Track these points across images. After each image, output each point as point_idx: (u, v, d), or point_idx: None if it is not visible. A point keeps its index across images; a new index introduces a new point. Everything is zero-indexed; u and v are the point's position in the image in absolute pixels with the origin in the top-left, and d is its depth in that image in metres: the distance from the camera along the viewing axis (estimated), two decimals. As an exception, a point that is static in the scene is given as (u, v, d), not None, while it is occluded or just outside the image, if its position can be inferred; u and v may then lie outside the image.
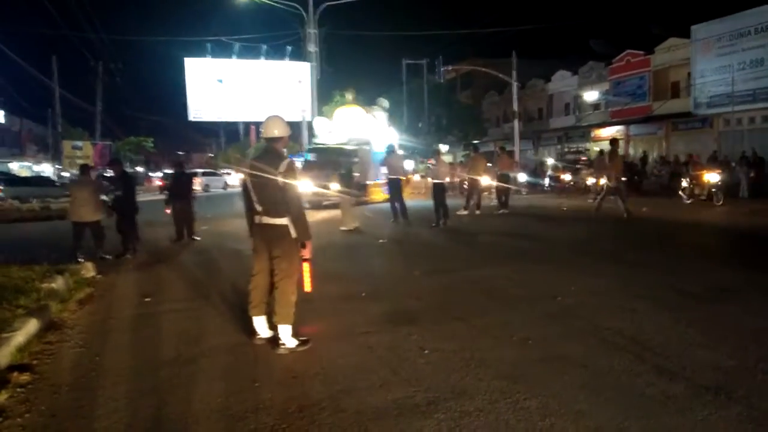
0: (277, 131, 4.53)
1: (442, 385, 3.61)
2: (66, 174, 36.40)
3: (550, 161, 31.97)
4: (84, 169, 10.12)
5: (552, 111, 39.85)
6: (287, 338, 4.40)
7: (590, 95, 34.57)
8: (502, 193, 15.99)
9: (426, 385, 3.62)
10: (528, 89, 39.52)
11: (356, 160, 18.75)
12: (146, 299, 6.34)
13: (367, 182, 18.86)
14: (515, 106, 31.73)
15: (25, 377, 3.93)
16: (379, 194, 18.00)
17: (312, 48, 28.44)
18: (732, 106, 24.50)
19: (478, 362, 3.98)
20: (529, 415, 3.17)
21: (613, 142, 13.97)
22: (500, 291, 6.26)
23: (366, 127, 21.80)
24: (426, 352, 4.25)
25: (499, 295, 6.06)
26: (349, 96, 24.75)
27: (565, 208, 16.73)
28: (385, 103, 24.93)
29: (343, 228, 12.02)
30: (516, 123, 31.66)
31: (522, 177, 26.37)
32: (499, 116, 44.48)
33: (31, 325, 4.86)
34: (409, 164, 29.07)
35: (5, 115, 43.41)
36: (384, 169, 15.16)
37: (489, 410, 3.24)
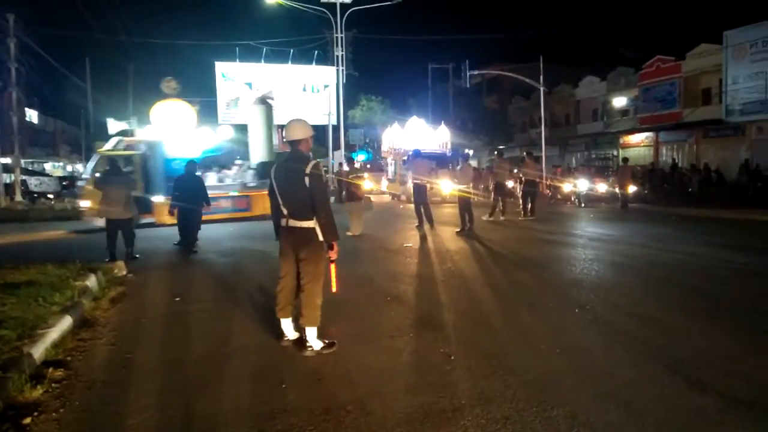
0: (299, 133, 4.56)
1: (468, 392, 3.60)
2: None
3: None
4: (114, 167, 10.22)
5: (579, 117, 39.42)
6: (313, 340, 4.44)
7: (619, 101, 34.16)
8: (528, 200, 15.86)
9: (452, 391, 3.61)
10: (555, 95, 39.14)
11: (129, 169, 14.41)
12: (176, 299, 6.47)
13: (154, 198, 14.50)
14: (542, 112, 31.46)
15: (59, 373, 4.05)
16: (168, 215, 11.13)
17: (339, 52, 28.67)
18: (766, 114, 23.92)
19: (505, 369, 3.97)
20: (556, 424, 3.14)
21: None
22: (526, 298, 6.22)
23: (189, 124, 17.63)
24: (452, 357, 4.25)
25: (525, 303, 6.01)
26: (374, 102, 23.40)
27: (591, 216, 16.50)
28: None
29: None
30: (543, 129, 31.39)
31: (583, 185, 21.14)
32: (526, 122, 44.13)
33: (65, 322, 5.00)
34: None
35: (39, 116, 44.60)
36: (410, 174, 15.07)
37: (515, 419, 3.22)
